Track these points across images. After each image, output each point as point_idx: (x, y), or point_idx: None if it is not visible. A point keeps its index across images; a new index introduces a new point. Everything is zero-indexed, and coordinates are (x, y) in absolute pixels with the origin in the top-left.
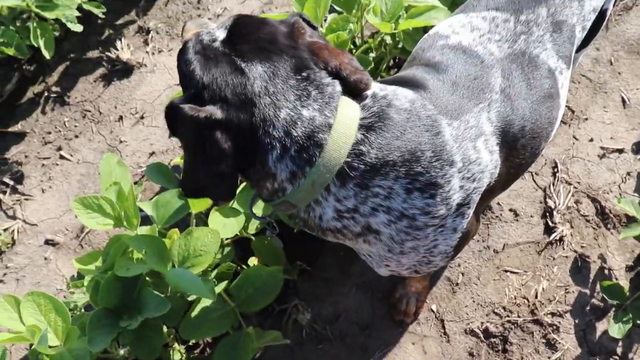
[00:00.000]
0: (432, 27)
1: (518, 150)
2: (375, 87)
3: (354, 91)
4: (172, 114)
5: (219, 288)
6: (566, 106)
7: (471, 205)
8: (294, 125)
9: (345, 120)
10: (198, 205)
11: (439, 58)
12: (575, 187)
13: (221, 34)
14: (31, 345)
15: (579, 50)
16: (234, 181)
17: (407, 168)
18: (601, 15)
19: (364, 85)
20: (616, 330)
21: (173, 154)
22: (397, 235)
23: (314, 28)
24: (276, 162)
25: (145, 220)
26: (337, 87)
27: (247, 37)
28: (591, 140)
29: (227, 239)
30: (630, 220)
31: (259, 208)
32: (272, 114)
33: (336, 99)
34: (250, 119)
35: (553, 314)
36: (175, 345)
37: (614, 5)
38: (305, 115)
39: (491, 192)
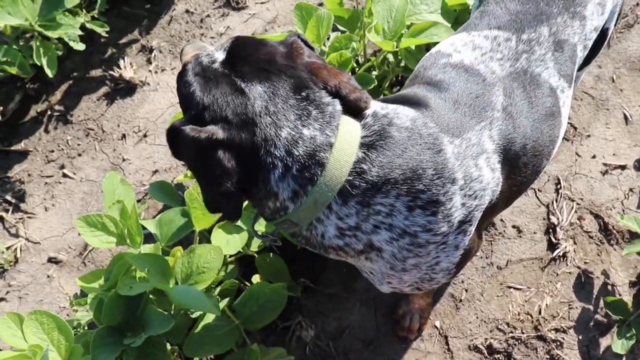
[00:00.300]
0: (434, 45)
1: (520, 168)
2: (376, 106)
3: (354, 110)
4: (174, 136)
5: (222, 304)
6: (569, 123)
7: (473, 223)
8: (295, 145)
9: (346, 138)
10: (201, 222)
11: (441, 76)
12: (578, 204)
13: (220, 56)
14: None
15: (581, 68)
16: (238, 200)
17: (408, 186)
18: (603, 34)
19: (363, 104)
20: (620, 346)
21: (176, 171)
22: (399, 253)
23: (312, 48)
24: (278, 181)
25: (149, 238)
26: (338, 106)
27: (247, 58)
28: (594, 157)
29: (230, 256)
30: (633, 236)
31: (261, 226)
32: (273, 134)
33: (337, 118)
34: (252, 138)
35: (557, 330)
36: None
37: (615, 24)
38: (306, 134)
39: (493, 209)
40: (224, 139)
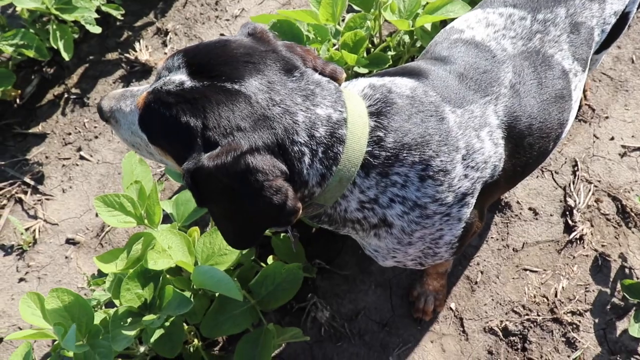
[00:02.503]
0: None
1: (525, 148)
2: (372, 79)
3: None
4: (195, 179)
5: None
6: (586, 104)
7: (474, 195)
8: (315, 126)
9: (356, 110)
10: None
11: (450, 51)
12: (596, 186)
13: (181, 75)
14: (54, 341)
15: (599, 51)
16: (292, 191)
17: (420, 152)
18: (624, 17)
19: (339, 75)
20: (637, 329)
21: None
22: (408, 227)
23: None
24: (309, 168)
25: (165, 218)
26: (334, 81)
27: (219, 60)
28: (612, 138)
29: None
30: None
31: None
32: (290, 121)
33: (340, 92)
34: (273, 134)
35: (573, 313)
36: (195, 341)
37: (638, 8)
38: (321, 113)
39: (495, 186)
40: (249, 148)
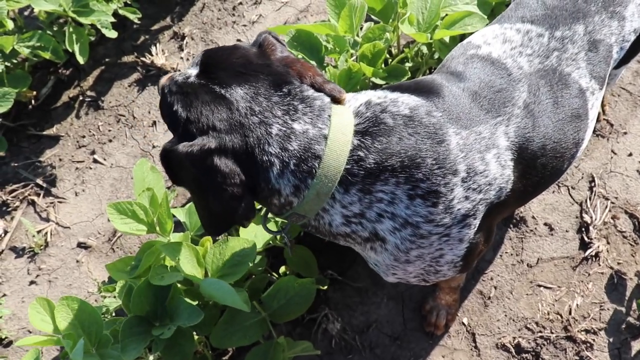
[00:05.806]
0: (469, 36)
1: (537, 168)
2: (373, 95)
3: (332, 100)
4: (168, 159)
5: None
6: (605, 119)
7: (477, 216)
8: (288, 140)
9: (339, 128)
10: None
11: (465, 67)
12: (613, 203)
13: (194, 71)
14: (62, 347)
15: (619, 66)
16: (249, 200)
17: (407, 174)
18: None
19: (338, 94)
20: None
21: None
22: (402, 244)
23: (282, 44)
24: (278, 178)
25: (177, 226)
26: (326, 98)
27: (221, 65)
28: (630, 154)
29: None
30: None
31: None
32: (264, 132)
33: (327, 109)
34: (244, 140)
35: (587, 331)
36: (205, 351)
37: None
38: (298, 128)
39: (503, 206)
40: (217, 147)
